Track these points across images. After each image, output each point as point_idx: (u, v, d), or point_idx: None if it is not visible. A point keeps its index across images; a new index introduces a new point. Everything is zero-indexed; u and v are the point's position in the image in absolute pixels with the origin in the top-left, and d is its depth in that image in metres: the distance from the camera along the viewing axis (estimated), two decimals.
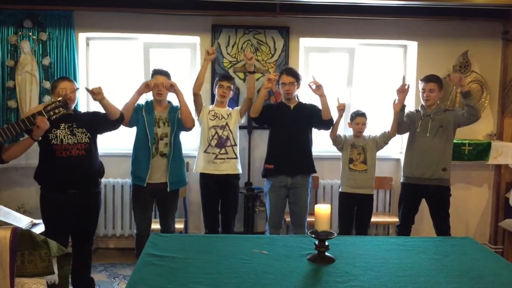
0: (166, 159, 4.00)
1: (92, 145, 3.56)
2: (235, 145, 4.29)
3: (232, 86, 4.33)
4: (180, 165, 4.14)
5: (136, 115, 4.00)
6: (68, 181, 3.42)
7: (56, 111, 3.08)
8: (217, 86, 4.31)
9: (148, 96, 4.24)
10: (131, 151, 4.11)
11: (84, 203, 3.51)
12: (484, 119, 5.17)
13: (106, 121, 3.64)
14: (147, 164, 3.96)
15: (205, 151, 4.24)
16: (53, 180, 3.45)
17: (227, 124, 4.28)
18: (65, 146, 3.42)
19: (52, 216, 3.49)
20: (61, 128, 3.42)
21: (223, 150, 4.23)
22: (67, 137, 3.44)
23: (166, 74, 4.09)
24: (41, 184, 3.54)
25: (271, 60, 4.93)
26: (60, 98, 3.19)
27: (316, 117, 4.26)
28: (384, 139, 4.32)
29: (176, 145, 4.04)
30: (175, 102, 4.14)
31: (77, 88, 3.63)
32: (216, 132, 4.24)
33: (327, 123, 4.26)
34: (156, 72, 4.08)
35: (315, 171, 4.31)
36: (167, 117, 4.06)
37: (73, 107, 3.56)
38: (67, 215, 3.48)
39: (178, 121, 4.03)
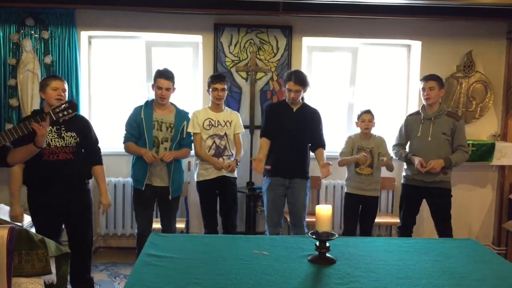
0: (165, 162, 3.95)
1: (80, 148, 3.51)
2: (232, 154, 4.24)
3: (226, 87, 4.23)
4: (181, 172, 4.14)
5: (136, 126, 3.97)
6: (55, 184, 3.37)
7: (65, 113, 3.00)
8: (210, 89, 4.19)
9: (150, 95, 4.20)
10: None
11: (71, 203, 3.45)
12: (488, 120, 5.15)
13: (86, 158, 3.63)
14: (145, 167, 3.94)
15: (202, 160, 4.22)
16: (40, 182, 3.40)
17: (225, 134, 4.21)
18: (52, 149, 3.36)
19: (39, 217, 3.46)
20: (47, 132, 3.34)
21: (220, 160, 4.18)
22: (54, 140, 3.38)
23: (170, 78, 3.95)
24: (28, 186, 3.49)
25: (273, 59, 4.90)
26: (68, 100, 3.14)
27: (313, 132, 4.21)
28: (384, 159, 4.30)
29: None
30: (175, 103, 4.13)
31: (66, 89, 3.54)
32: (214, 142, 4.18)
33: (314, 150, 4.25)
34: (161, 75, 3.94)
35: (308, 177, 4.27)
36: (173, 122, 3.99)
37: None
38: (55, 215, 3.44)
39: (182, 131, 4.00)
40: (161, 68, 4.04)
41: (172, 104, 4.10)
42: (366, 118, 4.26)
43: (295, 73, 4.16)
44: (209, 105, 4.31)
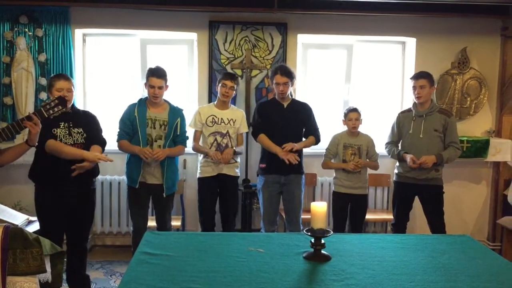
0: (158, 160, 3.94)
1: (88, 145, 3.50)
2: (235, 153, 4.24)
3: (235, 86, 4.24)
4: (175, 170, 4.12)
5: (130, 124, 3.95)
6: (62, 180, 3.38)
7: (56, 109, 2.99)
8: (220, 84, 4.21)
9: (145, 93, 4.17)
10: None
11: (78, 201, 3.47)
12: (482, 116, 5.18)
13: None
14: (139, 165, 3.92)
15: (203, 157, 4.22)
16: (48, 179, 3.41)
17: (228, 132, 4.21)
18: None
19: (46, 214, 3.45)
20: (60, 127, 3.38)
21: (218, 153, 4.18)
22: (66, 137, 3.39)
23: (162, 76, 3.91)
24: (36, 182, 3.50)
25: (268, 56, 4.90)
26: (56, 97, 3.10)
27: (306, 126, 4.22)
28: (370, 158, 4.32)
29: None
30: (171, 100, 4.13)
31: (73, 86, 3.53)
32: (216, 140, 4.18)
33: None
34: (152, 74, 3.90)
35: (303, 172, 4.27)
36: (167, 119, 3.97)
37: (70, 106, 3.47)
38: (62, 213, 3.44)
39: (175, 128, 3.98)
40: (153, 66, 4.00)
41: (165, 101, 4.08)
42: (353, 117, 4.26)
43: (280, 66, 4.19)
44: (215, 102, 4.34)
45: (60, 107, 3.01)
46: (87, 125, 3.52)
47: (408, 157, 4.08)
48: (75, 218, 3.52)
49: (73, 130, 3.44)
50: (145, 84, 3.99)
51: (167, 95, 4.07)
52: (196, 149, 4.25)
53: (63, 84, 3.42)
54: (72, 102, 3.53)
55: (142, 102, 4.02)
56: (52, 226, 3.42)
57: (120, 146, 4.02)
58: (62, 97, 3.07)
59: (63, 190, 3.41)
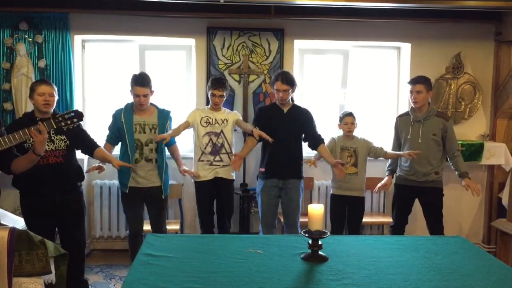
0: (152, 163, 4.00)
1: (70, 151, 3.49)
2: (231, 152, 4.29)
3: (224, 93, 4.29)
4: (168, 173, 4.19)
5: (117, 130, 4.01)
6: (46, 188, 3.37)
7: (69, 122, 2.97)
8: (209, 92, 4.29)
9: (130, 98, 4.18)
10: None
11: (64, 206, 3.45)
12: (477, 120, 5.24)
13: (85, 150, 3.70)
14: (128, 170, 3.95)
15: (199, 160, 4.28)
16: (31, 186, 3.38)
17: (222, 131, 4.28)
18: None
19: (33, 220, 3.43)
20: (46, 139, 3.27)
21: (217, 157, 4.24)
22: (46, 143, 3.26)
23: (146, 84, 3.92)
24: (20, 190, 3.47)
25: (266, 62, 4.96)
26: (74, 109, 3.08)
27: (307, 130, 4.28)
28: (377, 154, 4.38)
29: (164, 151, 4.08)
30: (168, 106, 4.18)
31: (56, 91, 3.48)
32: (211, 139, 4.25)
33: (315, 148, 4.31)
34: (136, 83, 3.91)
35: (302, 177, 4.32)
36: (156, 123, 4.02)
37: (51, 112, 3.43)
38: (47, 218, 3.43)
39: (167, 131, 4.03)
40: (136, 73, 4.03)
41: (152, 105, 4.11)
42: (348, 121, 4.34)
43: (282, 73, 4.23)
44: (209, 106, 4.41)
45: (75, 120, 2.98)
46: (72, 133, 3.41)
47: (383, 181, 4.44)
48: (64, 224, 3.52)
49: (55, 137, 3.39)
50: (130, 91, 4.01)
51: (162, 99, 4.11)
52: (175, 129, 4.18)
53: (45, 89, 3.38)
54: (54, 107, 3.48)
55: (129, 108, 4.05)
56: (39, 232, 3.32)
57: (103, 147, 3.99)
58: (79, 111, 3.04)
59: (44, 196, 3.38)
